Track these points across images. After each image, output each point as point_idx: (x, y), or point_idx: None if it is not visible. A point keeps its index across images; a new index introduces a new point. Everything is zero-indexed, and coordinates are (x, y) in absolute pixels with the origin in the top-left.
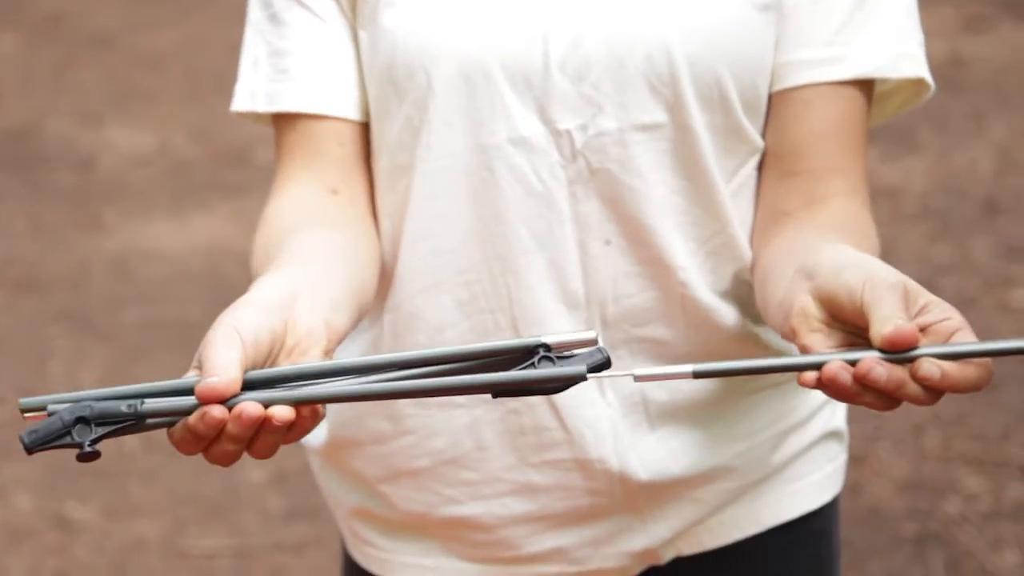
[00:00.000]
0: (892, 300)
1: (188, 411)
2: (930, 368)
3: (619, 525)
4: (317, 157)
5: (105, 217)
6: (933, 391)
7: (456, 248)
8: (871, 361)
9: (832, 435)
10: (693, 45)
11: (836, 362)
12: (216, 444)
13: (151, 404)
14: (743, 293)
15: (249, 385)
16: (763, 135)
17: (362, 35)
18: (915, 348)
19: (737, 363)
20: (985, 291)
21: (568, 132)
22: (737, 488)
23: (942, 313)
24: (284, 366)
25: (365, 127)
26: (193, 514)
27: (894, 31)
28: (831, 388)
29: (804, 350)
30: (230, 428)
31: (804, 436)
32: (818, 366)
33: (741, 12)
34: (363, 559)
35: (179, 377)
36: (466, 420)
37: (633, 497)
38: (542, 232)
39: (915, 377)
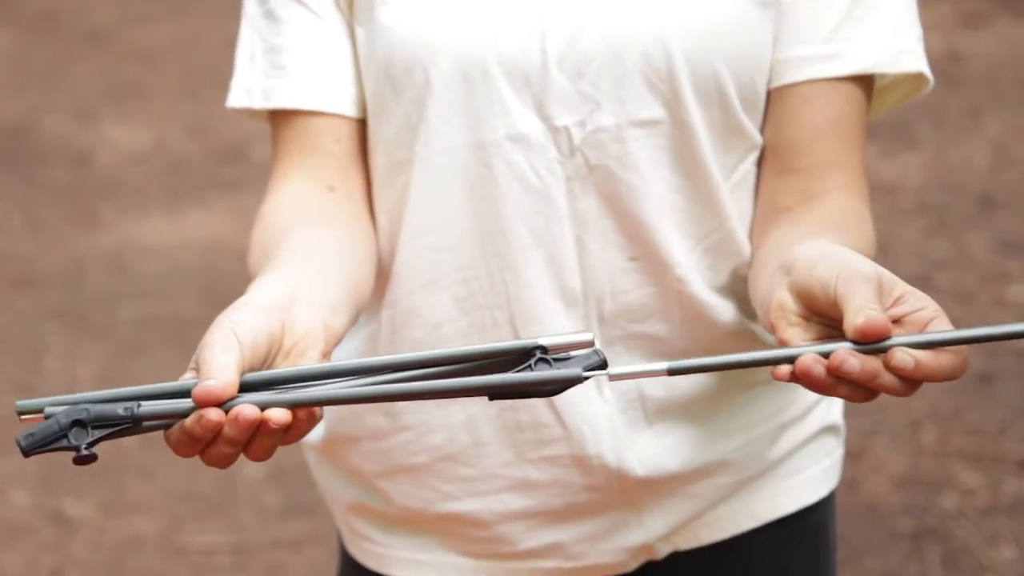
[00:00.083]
0: (865, 291)
1: (185, 414)
2: (903, 357)
3: (616, 520)
4: (314, 154)
5: (101, 213)
6: (908, 381)
7: (454, 245)
8: (844, 353)
9: (829, 430)
10: (691, 41)
11: (809, 355)
12: (213, 446)
13: (148, 407)
14: (741, 289)
15: (246, 387)
16: (762, 131)
17: (359, 31)
18: (888, 338)
19: (711, 359)
20: (982, 286)
21: (566, 128)
22: (734, 483)
23: (917, 303)
24: (281, 368)
25: (362, 123)
26: (190, 510)
27: (892, 26)
28: (805, 381)
29: (782, 344)
30: (227, 431)
31: (801, 431)
32: (792, 359)
33: (739, 8)
34: (360, 554)
35: (175, 374)
36: (463, 416)
37: (630, 493)
38: (540, 229)
39: (889, 367)
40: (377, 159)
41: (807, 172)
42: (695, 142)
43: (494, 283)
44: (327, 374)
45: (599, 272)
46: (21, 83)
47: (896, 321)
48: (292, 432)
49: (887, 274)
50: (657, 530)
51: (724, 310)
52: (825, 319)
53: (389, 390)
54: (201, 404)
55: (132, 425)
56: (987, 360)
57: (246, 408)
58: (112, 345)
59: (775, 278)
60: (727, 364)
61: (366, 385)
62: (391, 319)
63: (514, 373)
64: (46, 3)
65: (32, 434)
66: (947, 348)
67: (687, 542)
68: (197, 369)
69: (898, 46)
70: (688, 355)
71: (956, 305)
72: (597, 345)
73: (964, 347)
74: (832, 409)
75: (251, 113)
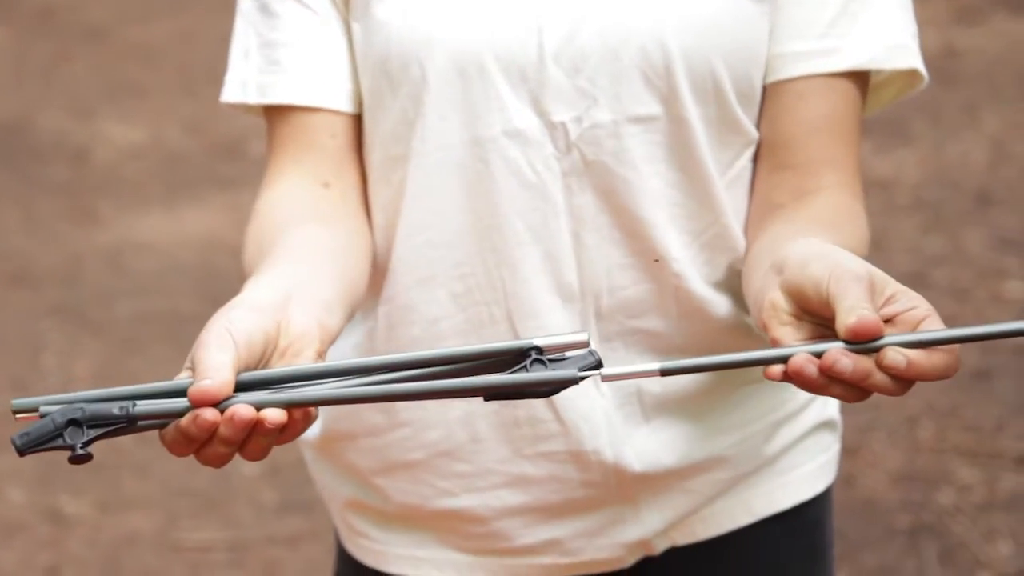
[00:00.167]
0: (857, 291)
1: (180, 413)
2: (895, 357)
3: (613, 516)
4: (309, 150)
5: (98, 210)
6: (901, 380)
7: (451, 241)
8: (836, 352)
9: (825, 425)
10: (687, 37)
11: (802, 355)
12: (208, 446)
13: (143, 406)
14: (737, 284)
15: (242, 387)
16: (758, 127)
17: (355, 27)
18: (880, 338)
19: (704, 360)
20: (978, 283)
21: (563, 124)
22: (731, 478)
23: (909, 302)
24: (277, 368)
25: (357, 119)
26: (186, 507)
27: (887, 22)
28: (797, 380)
29: (775, 343)
30: (222, 430)
31: (797, 426)
32: (784, 359)
33: (735, 3)
34: (357, 551)
35: (172, 370)
36: (461, 412)
37: (627, 488)
38: (537, 224)
39: (881, 366)
40: (373, 155)
41: (801, 168)
42: (691, 138)
43: (491, 279)
44: (323, 374)
45: (596, 268)
46: (19, 80)
47: (888, 320)
48: (288, 432)
49: (879, 273)
50: (654, 526)
51: (721, 305)
52: (817, 318)
53: (385, 390)
54: (197, 404)
55: (127, 424)
56: (984, 357)
57: (242, 408)
58: (109, 342)
59: (767, 277)
60: (720, 364)
61: (362, 385)
62: (388, 315)
63: (509, 374)
64: (43, 0)
65: (27, 433)
66: (939, 347)
67: (684, 538)
68: (192, 368)
69: (893, 42)
70: (685, 350)
71: (952, 302)
72: (593, 344)
73: (956, 346)
74: (828, 405)
75: (246, 108)
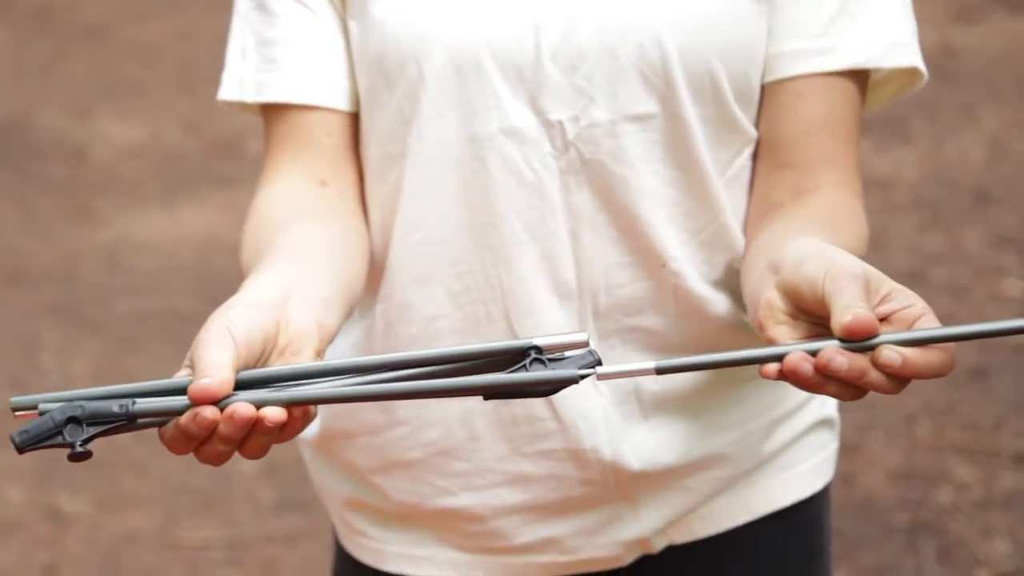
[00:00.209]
0: (852, 289)
1: (180, 411)
2: (890, 355)
3: (611, 514)
4: (306, 149)
5: (96, 209)
6: (896, 378)
7: (448, 239)
8: (831, 351)
9: (823, 423)
10: (685, 35)
11: (797, 353)
12: (207, 444)
13: (143, 404)
14: (735, 283)
15: (241, 385)
16: (756, 126)
17: (352, 25)
18: (875, 336)
19: (699, 358)
20: (976, 281)
21: (560, 123)
22: (729, 477)
23: (904, 301)
24: (276, 366)
25: (354, 117)
26: (185, 506)
27: (886, 21)
28: (793, 379)
29: (770, 342)
30: (222, 429)
31: (796, 424)
32: (779, 358)
33: (733, 2)
34: (355, 549)
35: (170, 369)
36: (459, 411)
37: (625, 486)
38: (534, 223)
39: (876, 364)
40: (370, 153)
41: (800, 168)
42: (689, 136)
43: (488, 277)
44: (322, 372)
45: (593, 266)
46: (16, 78)
47: (884, 319)
48: (287, 430)
49: (875, 272)
50: (652, 524)
51: (719, 303)
52: (813, 317)
53: (385, 389)
54: (197, 402)
55: (127, 422)
56: (982, 355)
57: (242, 406)
58: (107, 340)
59: (764, 276)
60: (715, 363)
61: (362, 384)
62: (385, 314)
63: (509, 373)
64: None
65: (27, 431)
66: (935, 345)
67: (682, 536)
68: (192, 366)
69: (892, 40)
70: (683, 348)
71: (950, 300)
72: (591, 343)
73: (952, 344)
74: (827, 403)
75: (243, 106)
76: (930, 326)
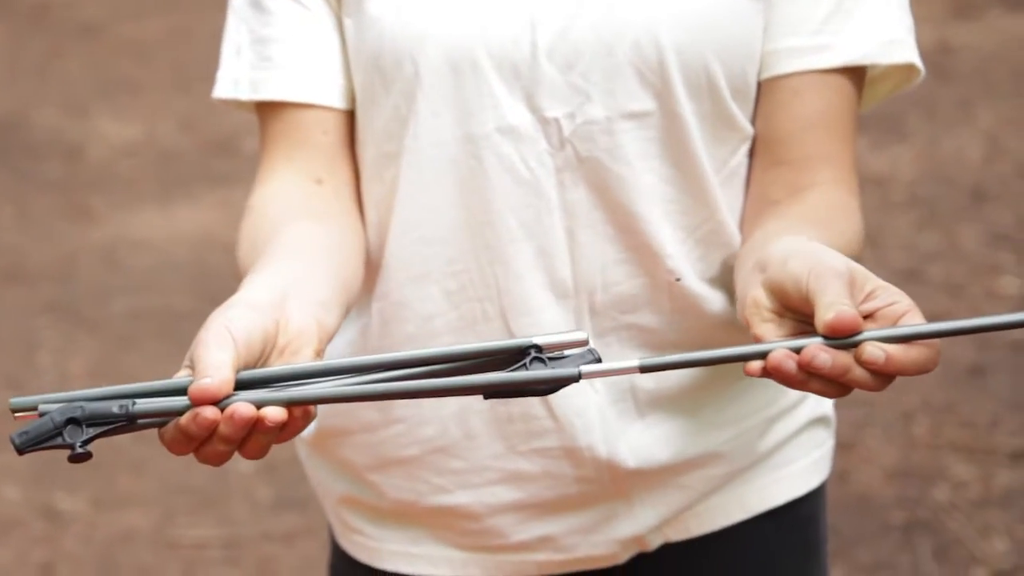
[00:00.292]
0: (837, 287)
1: (180, 412)
2: (874, 352)
3: (607, 512)
4: (302, 147)
5: (93, 207)
6: (880, 375)
7: (444, 237)
8: (815, 348)
9: (819, 421)
10: (681, 32)
11: (780, 350)
12: (207, 444)
13: (143, 405)
14: (731, 280)
15: (241, 385)
16: (753, 123)
17: (347, 23)
18: (859, 333)
19: (683, 356)
20: (972, 279)
21: (556, 120)
22: (725, 474)
23: (889, 297)
24: (276, 366)
25: (350, 116)
26: (182, 504)
27: (882, 17)
28: (777, 376)
29: (756, 340)
30: (222, 429)
31: (791, 422)
32: (763, 355)
33: None
34: (351, 547)
35: (167, 367)
36: (455, 409)
37: (621, 484)
38: (530, 221)
39: (859, 361)
40: (366, 152)
41: (796, 165)
42: (685, 133)
43: (484, 276)
44: (322, 372)
45: (590, 264)
46: (12, 77)
47: (869, 316)
48: (287, 430)
49: (860, 269)
50: (648, 521)
51: (715, 301)
52: (798, 315)
53: (384, 389)
54: (197, 402)
55: (127, 423)
56: (979, 353)
57: (242, 406)
58: (104, 339)
59: (751, 274)
60: (699, 360)
61: (362, 384)
62: (381, 312)
63: (509, 372)
64: None
65: (26, 432)
66: (919, 341)
67: (678, 533)
68: (192, 367)
69: (888, 37)
70: (679, 346)
71: (946, 298)
72: (591, 343)
73: (937, 340)
74: (823, 401)
75: (238, 105)
76: (915, 323)
